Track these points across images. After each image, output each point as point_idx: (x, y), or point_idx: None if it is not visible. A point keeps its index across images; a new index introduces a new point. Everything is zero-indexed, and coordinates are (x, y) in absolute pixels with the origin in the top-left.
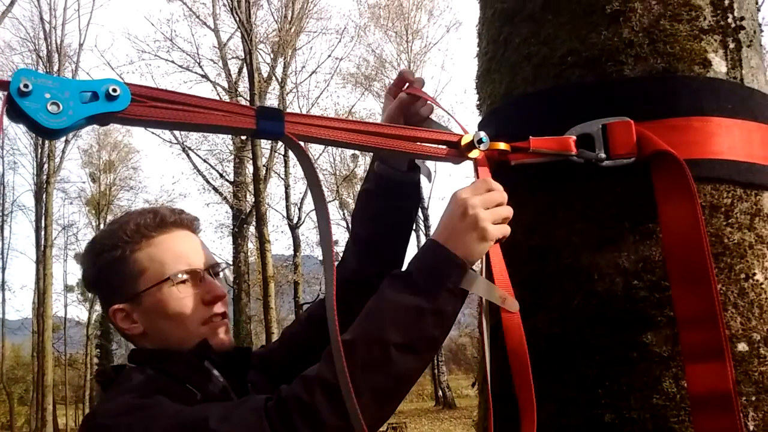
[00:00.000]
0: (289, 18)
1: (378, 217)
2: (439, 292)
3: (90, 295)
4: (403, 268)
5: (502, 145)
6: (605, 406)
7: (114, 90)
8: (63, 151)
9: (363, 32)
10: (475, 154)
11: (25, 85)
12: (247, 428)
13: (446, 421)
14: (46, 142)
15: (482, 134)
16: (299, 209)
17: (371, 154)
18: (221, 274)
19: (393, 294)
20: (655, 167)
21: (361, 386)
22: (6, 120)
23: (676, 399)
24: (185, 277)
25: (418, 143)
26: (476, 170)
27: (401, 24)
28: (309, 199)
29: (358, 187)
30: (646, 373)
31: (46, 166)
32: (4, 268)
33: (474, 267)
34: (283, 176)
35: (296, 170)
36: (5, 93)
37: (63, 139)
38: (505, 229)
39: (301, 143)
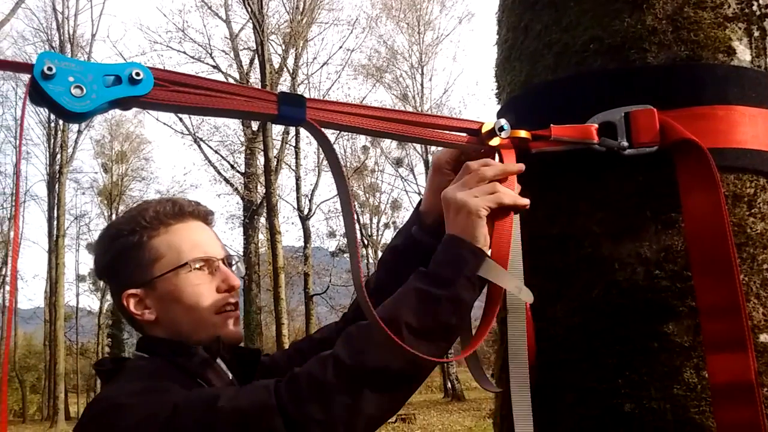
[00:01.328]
0: (301, 9)
1: (399, 276)
2: (457, 279)
3: (102, 285)
4: None
5: (522, 133)
6: (625, 396)
7: (137, 74)
8: (75, 142)
9: (375, 23)
10: (495, 141)
11: (49, 68)
12: (255, 403)
13: (455, 413)
14: (59, 132)
15: (503, 122)
16: (310, 201)
17: (382, 145)
18: (234, 266)
19: (414, 283)
20: (678, 156)
21: (373, 364)
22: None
23: (697, 389)
24: (202, 264)
25: (439, 131)
26: (500, 158)
27: (413, 15)
28: (319, 190)
29: (368, 179)
30: (666, 364)
31: (58, 156)
32: (17, 258)
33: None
34: (294, 167)
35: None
36: (29, 76)
37: (75, 129)
38: (496, 198)
39: (323, 129)
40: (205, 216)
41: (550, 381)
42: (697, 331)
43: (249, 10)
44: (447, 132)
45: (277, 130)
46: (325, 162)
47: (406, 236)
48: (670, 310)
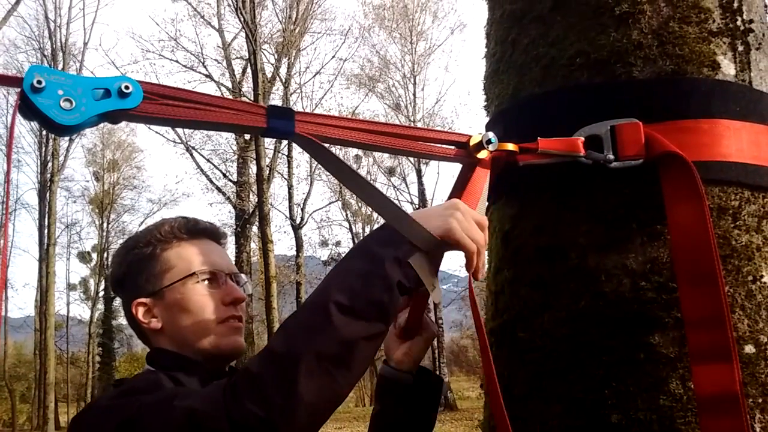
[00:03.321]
0: (294, 18)
1: (377, 418)
2: (390, 258)
3: (93, 293)
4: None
5: (510, 146)
6: (612, 406)
7: (126, 87)
8: (67, 150)
9: (367, 33)
10: (483, 154)
11: (39, 81)
12: (207, 402)
13: (447, 422)
14: (50, 140)
15: (491, 135)
16: (302, 210)
17: (375, 154)
18: (242, 285)
19: (347, 260)
20: (663, 169)
21: (304, 350)
22: (18, 117)
23: (682, 400)
24: (209, 276)
25: (427, 144)
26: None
27: (405, 25)
28: (311, 199)
29: None
30: (652, 374)
31: (50, 164)
32: (7, 266)
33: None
34: (286, 177)
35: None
36: (18, 89)
37: (67, 138)
38: (468, 243)
39: (315, 140)
40: (217, 235)
41: (537, 391)
42: (683, 343)
43: (241, 19)
44: (435, 145)
45: (269, 139)
46: (317, 171)
47: (378, 377)
48: (656, 322)
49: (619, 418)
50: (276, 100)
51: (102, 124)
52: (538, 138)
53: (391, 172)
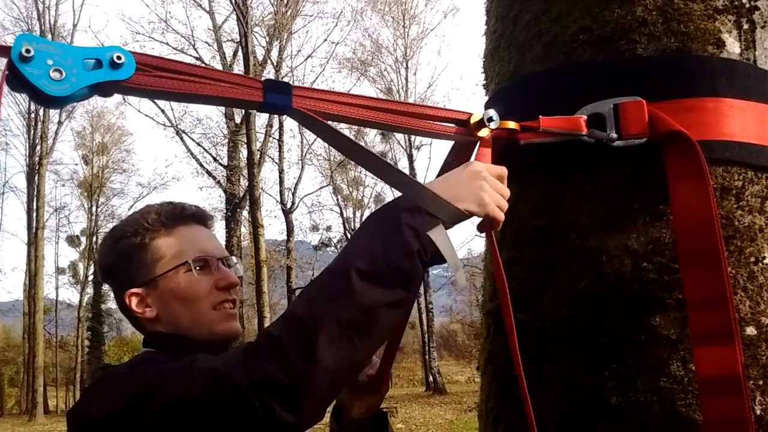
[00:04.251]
0: (286, 1)
1: None
2: (409, 226)
3: (82, 277)
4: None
5: (511, 124)
6: (611, 388)
7: (119, 57)
8: (56, 133)
9: (360, 16)
10: (484, 132)
11: (27, 50)
12: (226, 363)
13: (437, 406)
14: (39, 123)
15: (492, 112)
16: (293, 194)
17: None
18: (233, 267)
19: (369, 224)
20: (667, 148)
21: (325, 315)
22: (6, 88)
23: (683, 382)
24: (201, 264)
25: (427, 121)
26: (479, 151)
27: (398, 9)
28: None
29: (351, 173)
30: (653, 356)
31: (38, 147)
32: None
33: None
34: (277, 161)
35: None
36: (6, 59)
37: (56, 120)
38: (500, 215)
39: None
40: (204, 219)
41: (537, 373)
42: (684, 324)
43: (232, 1)
44: (435, 122)
45: (260, 122)
46: (308, 155)
47: None
48: (658, 303)
49: (619, 400)
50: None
51: (91, 106)
52: (540, 116)
53: (382, 156)
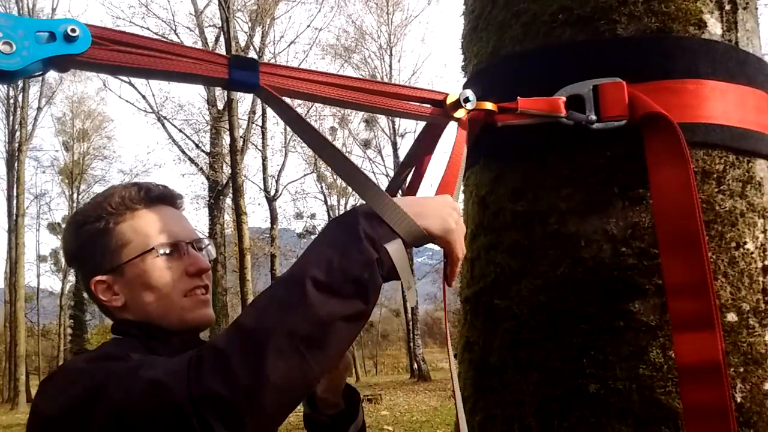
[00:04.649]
0: None
1: None
2: (368, 236)
3: (64, 265)
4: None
5: (489, 105)
6: (590, 375)
7: (73, 30)
8: (35, 119)
9: (343, 2)
10: (460, 113)
11: None
12: (169, 373)
13: (421, 393)
14: (18, 109)
15: (469, 92)
16: (276, 182)
17: (350, 126)
18: (205, 249)
19: (326, 232)
20: (647, 130)
21: (276, 327)
22: None
23: (663, 369)
24: (169, 249)
25: (402, 101)
26: (458, 133)
27: None
28: (286, 171)
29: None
30: (632, 343)
31: (18, 133)
32: None
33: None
34: (260, 148)
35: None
36: None
37: (35, 106)
38: (461, 249)
39: (279, 96)
40: (172, 200)
41: (513, 360)
42: (664, 310)
43: None
44: (410, 102)
45: (243, 109)
46: (292, 142)
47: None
48: (637, 288)
49: (598, 388)
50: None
51: (71, 92)
52: (518, 98)
53: (366, 144)
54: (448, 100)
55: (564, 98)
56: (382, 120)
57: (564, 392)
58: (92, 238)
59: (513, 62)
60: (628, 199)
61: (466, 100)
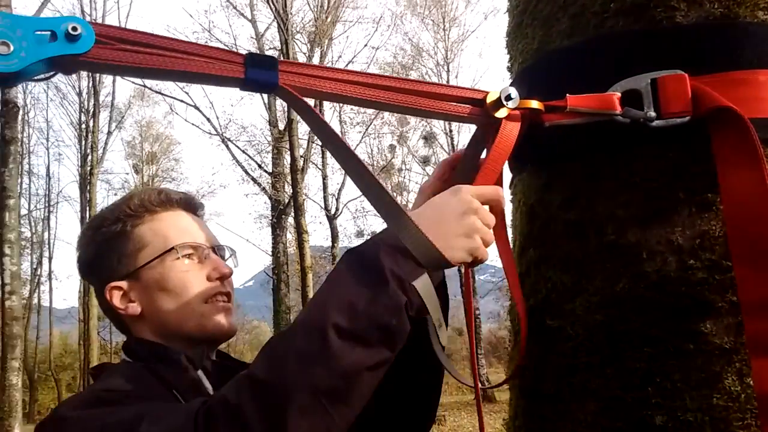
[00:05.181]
0: (326, 7)
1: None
2: (396, 274)
3: None
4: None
5: (534, 104)
6: (655, 406)
7: (74, 29)
8: (106, 143)
9: (399, 21)
10: (502, 113)
11: None
12: (174, 431)
13: (485, 414)
14: (90, 134)
15: (511, 89)
16: (337, 200)
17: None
18: (227, 257)
19: (346, 268)
20: (714, 127)
21: (297, 382)
22: None
23: (740, 399)
24: (190, 251)
25: (437, 101)
26: (498, 136)
27: (438, 12)
28: (346, 189)
29: (395, 178)
30: (704, 369)
31: (89, 157)
32: (51, 258)
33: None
34: (320, 167)
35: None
36: None
37: (106, 130)
38: (486, 255)
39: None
40: (194, 206)
41: (569, 387)
42: (740, 331)
43: (273, 9)
44: (445, 102)
45: (303, 129)
46: None
47: None
48: (708, 306)
49: (665, 420)
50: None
51: (140, 116)
52: (567, 95)
53: (425, 161)
54: (488, 99)
55: (619, 94)
56: (441, 137)
57: (626, 424)
58: (108, 241)
59: (561, 58)
60: (695, 205)
61: (508, 97)
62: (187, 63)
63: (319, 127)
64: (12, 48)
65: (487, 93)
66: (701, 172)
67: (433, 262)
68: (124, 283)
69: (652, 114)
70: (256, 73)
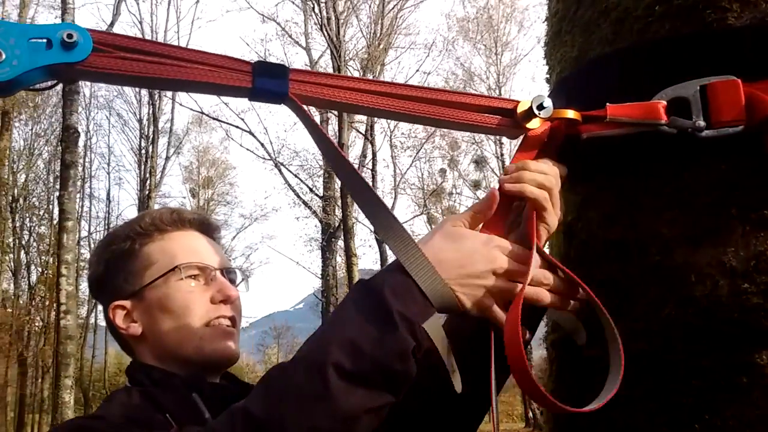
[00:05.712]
0: (378, 34)
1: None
2: (404, 316)
3: None
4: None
5: (570, 113)
6: None
7: (70, 36)
8: (164, 168)
9: (451, 46)
10: (534, 124)
11: None
12: None
13: None
14: (149, 159)
15: (544, 98)
16: None
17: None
18: (237, 280)
19: (352, 306)
20: None
21: (292, 421)
22: None
23: None
24: (195, 271)
25: (462, 111)
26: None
27: (490, 36)
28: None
29: (445, 202)
30: (759, 404)
31: (148, 182)
32: None
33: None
34: None
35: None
36: None
37: (164, 156)
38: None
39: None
40: (208, 227)
41: (608, 423)
42: None
43: (327, 36)
44: (472, 113)
45: (354, 153)
46: (402, 185)
47: None
48: (764, 335)
49: None
50: (362, 116)
51: (197, 141)
52: (607, 104)
53: (476, 185)
54: (519, 109)
55: (664, 102)
56: (493, 161)
57: None
58: (117, 259)
59: (602, 65)
60: (749, 223)
61: (540, 107)
62: (190, 72)
63: (322, 141)
64: (4, 56)
65: (518, 102)
66: (756, 186)
67: (440, 299)
68: (127, 303)
69: (702, 123)
70: (265, 82)
